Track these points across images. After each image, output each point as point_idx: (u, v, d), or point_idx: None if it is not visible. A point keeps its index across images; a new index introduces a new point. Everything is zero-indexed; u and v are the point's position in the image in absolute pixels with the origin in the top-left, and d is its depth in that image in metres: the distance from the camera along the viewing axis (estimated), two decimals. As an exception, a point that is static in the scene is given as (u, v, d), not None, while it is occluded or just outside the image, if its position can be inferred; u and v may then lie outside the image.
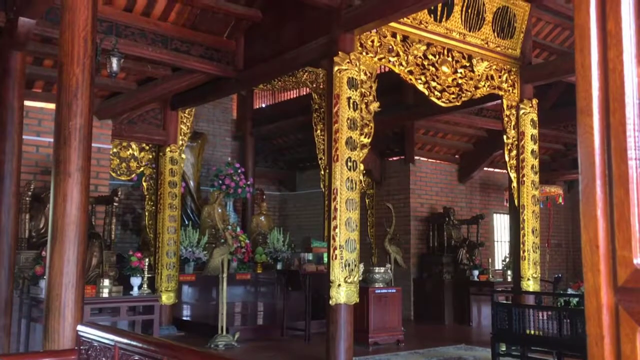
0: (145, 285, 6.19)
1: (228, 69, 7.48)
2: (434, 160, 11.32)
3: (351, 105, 6.03)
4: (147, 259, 6.31)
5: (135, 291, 6.19)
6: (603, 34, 0.65)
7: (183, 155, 9.12)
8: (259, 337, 8.04)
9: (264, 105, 13.88)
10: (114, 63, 5.77)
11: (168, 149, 8.79)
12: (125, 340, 3.00)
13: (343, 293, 5.83)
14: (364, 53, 6.30)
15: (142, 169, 8.90)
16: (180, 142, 9.01)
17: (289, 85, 8.32)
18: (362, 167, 6.34)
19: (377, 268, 7.87)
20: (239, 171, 11.52)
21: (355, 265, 5.95)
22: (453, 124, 10.66)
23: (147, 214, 9.09)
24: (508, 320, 5.32)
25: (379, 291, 7.62)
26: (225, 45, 7.51)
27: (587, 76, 0.67)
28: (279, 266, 10.30)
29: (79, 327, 3.58)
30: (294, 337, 8.18)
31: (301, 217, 13.68)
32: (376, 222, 11.33)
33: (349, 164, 5.99)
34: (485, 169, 11.83)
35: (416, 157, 11.01)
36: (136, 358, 2.85)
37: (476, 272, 10.13)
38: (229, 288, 9.00)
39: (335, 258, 5.85)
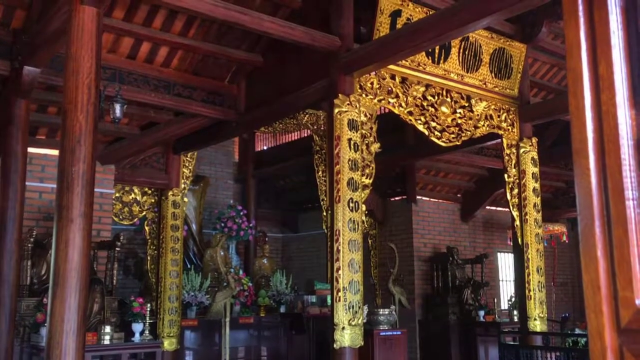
0: (147, 331, 6.12)
1: (230, 112, 7.57)
2: (436, 200, 11.33)
3: (352, 146, 6.07)
4: (148, 305, 6.24)
5: (137, 337, 6.12)
6: (595, 77, 0.67)
7: (185, 199, 9.13)
8: (263, 383, 7.90)
9: (265, 148, 13.97)
10: (117, 109, 5.84)
11: (170, 193, 8.81)
12: (126, 389, 2.95)
13: (347, 336, 5.75)
14: (363, 95, 6.37)
15: (144, 213, 8.90)
16: (183, 186, 9.03)
17: (290, 128, 8.39)
18: (364, 207, 6.34)
19: (381, 310, 7.79)
20: (241, 213, 11.51)
21: (359, 307, 5.89)
22: (454, 163, 10.70)
23: (149, 258, 9.05)
24: (516, 362, 5.23)
25: (383, 333, 7.52)
26: (227, 90, 7.62)
27: (581, 118, 0.68)
28: (282, 309, 10.19)
29: (80, 376, 3.51)
30: (299, 382, 8.04)
31: (304, 259, 13.61)
32: (379, 262, 11.25)
33: (351, 204, 5.99)
34: (487, 207, 11.81)
35: (418, 197, 11.02)
36: (138, 407, 2.80)
37: (482, 313, 10.00)
38: (231, 332, 8.89)
39: (339, 300, 5.79)
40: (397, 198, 11.30)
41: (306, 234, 13.73)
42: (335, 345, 5.76)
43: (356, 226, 6.00)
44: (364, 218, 11.16)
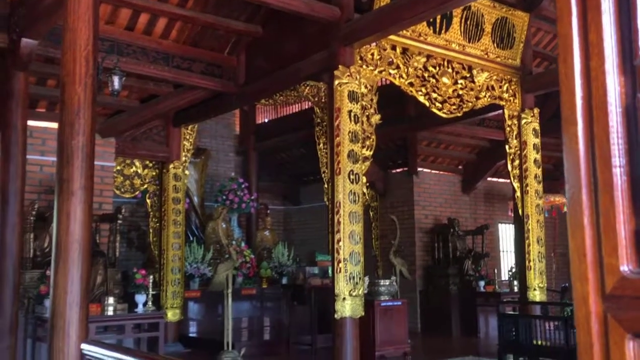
0: (150, 302, 6.18)
1: (229, 84, 7.53)
2: (437, 172, 11.32)
3: (352, 118, 6.05)
4: (151, 276, 6.30)
5: (140, 308, 6.18)
6: (585, 43, 0.66)
7: (186, 172, 9.14)
8: (265, 353, 8.00)
9: (266, 120, 13.92)
10: (116, 81, 5.81)
11: (171, 166, 8.82)
12: (128, 358, 2.99)
13: (348, 306, 5.81)
14: (364, 66, 6.33)
15: (145, 186, 8.93)
16: (184, 159, 9.04)
17: (291, 100, 8.35)
18: (364, 179, 6.35)
19: (382, 281, 7.85)
20: (243, 186, 11.52)
21: (359, 278, 5.93)
22: (455, 135, 10.67)
23: (151, 230, 9.10)
24: (515, 332, 5.28)
25: (384, 304, 7.58)
26: (227, 62, 7.56)
27: (570, 86, 0.68)
28: (284, 281, 10.27)
29: (83, 346, 3.57)
30: (300, 351, 8.15)
31: (305, 231, 13.66)
32: (381, 234, 11.31)
33: (351, 176, 5.99)
34: (489, 179, 11.81)
35: (419, 169, 11.01)
36: (140, 376, 2.85)
37: (482, 283, 10.08)
38: (234, 303, 8.98)
39: (340, 271, 5.83)
40: (398, 170, 11.30)
41: (308, 206, 13.76)
42: (336, 316, 5.82)
43: (357, 198, 6.01)
44: (365, 190, 11.19)
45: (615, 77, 0.64)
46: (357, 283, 5.89)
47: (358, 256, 5.95)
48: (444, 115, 7.04)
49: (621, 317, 0.61)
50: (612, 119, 0.64)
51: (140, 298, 6.21)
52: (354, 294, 5.85)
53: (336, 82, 6.04)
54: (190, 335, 9.09)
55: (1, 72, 6.30)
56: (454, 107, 7.07)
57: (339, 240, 5.87)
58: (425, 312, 10.45)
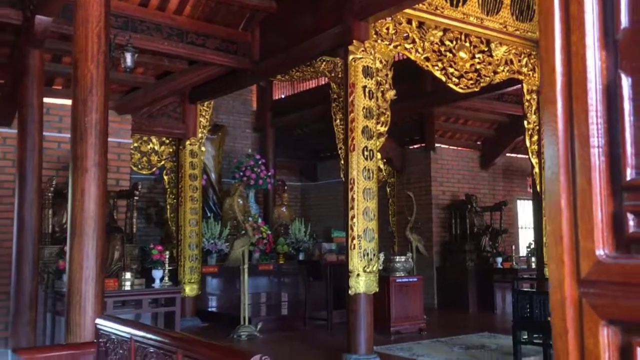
0: (166, 278, 6.26)
1: (244, 60, 7.49)
2: (455, 147, 11.22)
3: (367, 93, 5.99)
4: (167, 252, 6.37)
5: (157, 284, 6.26)
6: (566, 17, 0.63)
7: (203, 148, 9.17)
8: (282, 328, 8.08)
9: (283, 96, 13.86)
10: (128, 58, 5.81)
11: (188, 142, 8.86)
12: (140, 333, 3.03)
13: (362, 283, 5.82)
14: (379, 41, 6.24)
15: (162, 162, 8.98)
16: (200, 135, 9.06)
17: (307, 75, 8.28)
18: (379, 156, 6.32)
19: (397, 257, 7.85)
20: (260, 162, 11.55)
21: (374, 255, 5.93)
22: (474, 110, 10.53)
23: (168, 207, 9.18)
24: (529, 308, 5.26)
25: (400, 280, 7.60)
26: (241, 37, 7.51)
27: (550, 61, 0.65)
28: (300, 256, 10.33)
29: (98, 321, 3.63)
30: (316, 327, 8.21)
31: (323, 207, 13.68)
32: (397, 210, 11.28)
33: (366, 153, 5.95)
34: (507, 154, 11.67)
35: (437, 145, 10.92)
36: (151, 350, 2.89)
37: (500, 260, 10.03)
38: (251, 279, 9.07)
39: (354, 248, 5.83)
40: (415, 146, 11.21)
41: (325, 182, 13.76)
42: (350, 292, 5.84)
43: (371, 175, 5.98)
44: (381, 166, 11.17)
45: (597, 52, 0.61)
46: (371, 259, 5.88)
47: (372, 233, 5.94)
48: (460, 91, 6.93)
49: (596, 302, 0.59)
50: (592, 96, 0.61)
51: (157, 273, 6.28)
52: (367, 270, 5.85)
53: (350, 57, 5.98)
54: (208, 310, 9.21)
55: (16, 49, 6.35)
56: (471, 82, 6.96)
57: (353, 217, 5.86)
58: (442, 288, 10.45)
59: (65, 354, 3.44)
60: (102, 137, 4.46)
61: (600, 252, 0.59)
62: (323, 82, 12.10)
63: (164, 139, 8.95)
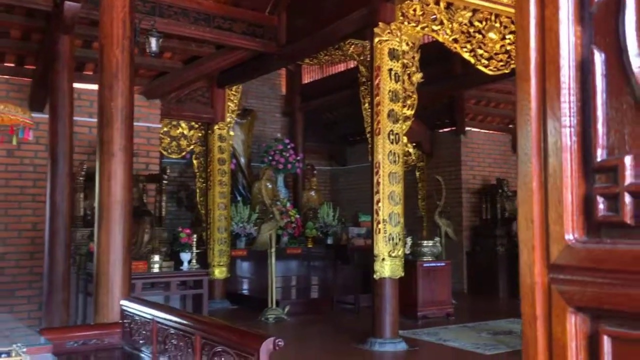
0: (194, 261, 6.34)
1: (271, 44, 7.48)
2: (486, 131, 11.03)
3: (392, 76, 5.92)
4: (195, 235, 6.45)
5: (185, 266, 6.36)
6: (541, -10, 0.60)
7: (231, 132, 9.23)
8: (309, 311, 8.12)
9: (312, 80, 13.81)
10: (153, 43, 5.85)
11: (216, 127, 8.91)
12: (162, 315, 3.09)
13: (387, 267, 5.80)
14: (405, 23, 6.15)
15: (192, 147, 9.07)
16: (228, 119, 9.11)
17: (336, 59, 8.23)
18: (405, 139, 6.25)
19: (425, 242, 7.80)
20: (288, 147, 11.57)
21: (399, 239, 5.90)
22: (505, 92, 10.33)
23: (198, 191, 9.28)
24: (557, 294, 5.17)
25: (427, 265, 7.55)
26: (268, 21, 7.50)
27: (525, 37, 0.62)
28: (329, 241, 10.35)
29: (122, 302, 3.71)
30: (344, 310, 8.24)
31: (352, 191, 13.65)
32: (427, 195, 11.18)
33: (391, 136, 5.90)
34: (540, 138, 11.42)
35: (467, 128, 10.75)
36: (172, 332, 2.94)
37: (531, 245, 9.88)
38: (280, 262, 9.13)
39: (379, 232, 5.82)
40: (445, 129, 11.07)
41: (354, 166, 13.71)
42: (375, 276, 5.84)
43: (397, 158, 5.93)
44: (411, 150, 11.07)
45: (571, 26, 0.58)
46: (396, 244, 5.86)
47: (398, 217, 5.91)
48: (490, 73, 6.80)
49: (564, 289, 0.56)
50: (565, 73, 0.58)
51: (185, 256, 6.37)
52: (393, 254, 5.83)
53: (376, 39, 5.91)
54: (238, 292, 9.31)
55: (47, 35, 6.46)
56: (501, 63, 6.82)
57: (378, 201, 5.84)
58: (472, 274, 10.36)
59: (92, 334, 3.53)
60: (128, 121, 4.52)
61: (569, 236, 0.57)
62: (352, 66, 12.02)
63: (193, 123, 9.02)
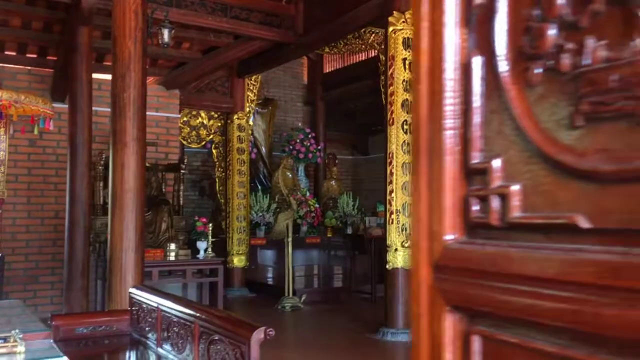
0: (210, 249, 6.42)
1: (288, 34, 7.48)
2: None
3: (407, 66, 5.89)
4: (211, 224, 6.52)
5: (201, 254, 6.44)
6: (433, -8, 0.61)
7: (250, 122, 9.29)
8: (327, 300, 8.17)
9: (333, 69, 13.78)
10: (165, 34, 5.91)
11: (235, 116, 8.98)
12: (166, 303, 3.15)
13: (400, 257, 5.80)
14: (421, 12, 6.09)
15: (211, 136, 9.16)
16: (248, 109, 9.16)
17: (356, 48, 8.17)
18: (420, 130, 6.20)
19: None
20: (309, 136, 11.60)
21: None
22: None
23: (217, 180, 9.37)
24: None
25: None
26: (285, 10, 7.50)
27: (417, 40, 0.62)
28: (349, 230, 10.36)
29: (131, 290, 3.79)
30: (361, 300, 8.27)
31: (374, 181, 13.60)
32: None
33: (405, 126, 5.87)
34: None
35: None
36: (174, 320, 3.00)
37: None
38: (298, 252, 9.20)
39: (392, 222, 5.81)
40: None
41: (376, 156, 13.65)
42: (388, 266, 5.85)
43: (410, 149, 5.89)
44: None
45: (457, 29, 0.59)
46: (409, 234, 5.83)
47: (411, 207, 5.88)
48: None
49: (444, 288, 0.58)
50: (449, 76, 0.59)
51: (201, 245, 6.46)
52: (406, 245, 5.82)
53: (390, 28, 5.88)
54: (257, 281, 9.41)
55: (66, 26, 6.57)
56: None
57: (391, 192, 5.83)
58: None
59: (102, 320, 3.62)
60: (141, 112, 4.59)
61: (448, 237, 0.58)
62: (373, 55, 11.95)
63: (213, 113, 9.10)
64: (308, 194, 10.62)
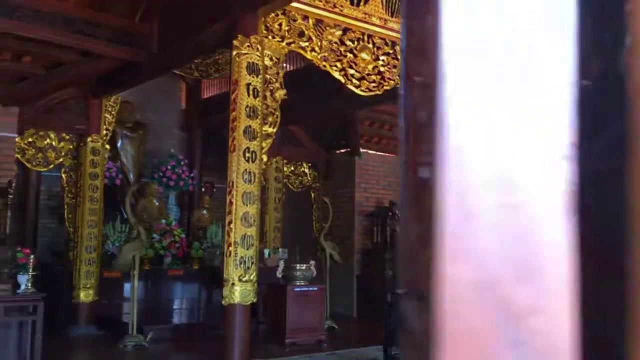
0: (29, 284, 5.76)
1: (140, 52, 7.06)
2: (381, 153, 10.94)
3: (251, 92, 5.63)
4: (32, 256, 5.88)
5: (21, 289, 5.78)
6: None
7: (107, 146, 8.71)
8: (178, 337, 7.64)
9: (212, 95, 13.42)
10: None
11: (89, 139, 8.36)
12: None
13: (237, 292, 5.44)
14: (270, 37, 5.90)
15: (61, 159, 8.47)
16: (104, 132, 8.58)
17: (211, 70, 7.89)
18: (265, 158, 5.95)
19: (298, 265, 7.49)
20: (182, 163, 11.15)
21: (252, 263, 5.55)
22: (396, 115, 10.27)
23: (66, 207, 8.66)
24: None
25: (298, 289, 7.24)
26: (138, 29, 7.10)
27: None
28: (217, 262, 9.89)
29: None
30: (215, 336, 7.79)
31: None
32: (322, 217, 10.94)
33: (247, 154, 5.59)
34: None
35: (363, 150, 10.63)
36: None
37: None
38: (159, 285, 8.63)
39: (230, 255, 5.46)
40: (342, 151, 10.91)
41: (255, 185, 13.34)
42: (224, 302, 5.47)
43: (252, 178, 5.61)
44: (306, 171, 10.83)
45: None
46: (248, 268, 5.51)
47: (251, 240, 5.57)
48: (362, 93, 6.64)
49: None
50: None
51: (22, 279, 5.80)
52: (244, 279, 5.47)
53: (235, 52, 5.61)
54: (107, 316, 8.69)
55: None
56: (374, 84, 6.67)
57: (230, 222, 5.49)
58: (361, 298, 10.15)
59: None
60: None
61: None
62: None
63: (64, 134, 8.44)
64: (174, 223, 10.10)
